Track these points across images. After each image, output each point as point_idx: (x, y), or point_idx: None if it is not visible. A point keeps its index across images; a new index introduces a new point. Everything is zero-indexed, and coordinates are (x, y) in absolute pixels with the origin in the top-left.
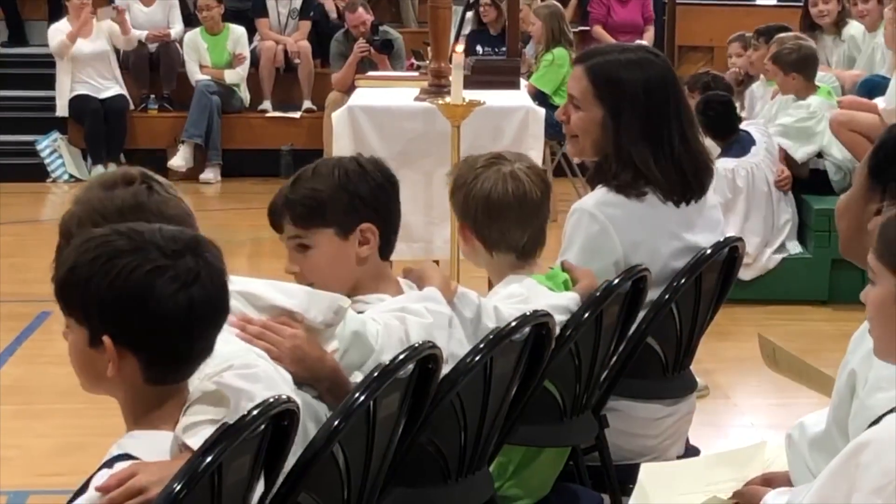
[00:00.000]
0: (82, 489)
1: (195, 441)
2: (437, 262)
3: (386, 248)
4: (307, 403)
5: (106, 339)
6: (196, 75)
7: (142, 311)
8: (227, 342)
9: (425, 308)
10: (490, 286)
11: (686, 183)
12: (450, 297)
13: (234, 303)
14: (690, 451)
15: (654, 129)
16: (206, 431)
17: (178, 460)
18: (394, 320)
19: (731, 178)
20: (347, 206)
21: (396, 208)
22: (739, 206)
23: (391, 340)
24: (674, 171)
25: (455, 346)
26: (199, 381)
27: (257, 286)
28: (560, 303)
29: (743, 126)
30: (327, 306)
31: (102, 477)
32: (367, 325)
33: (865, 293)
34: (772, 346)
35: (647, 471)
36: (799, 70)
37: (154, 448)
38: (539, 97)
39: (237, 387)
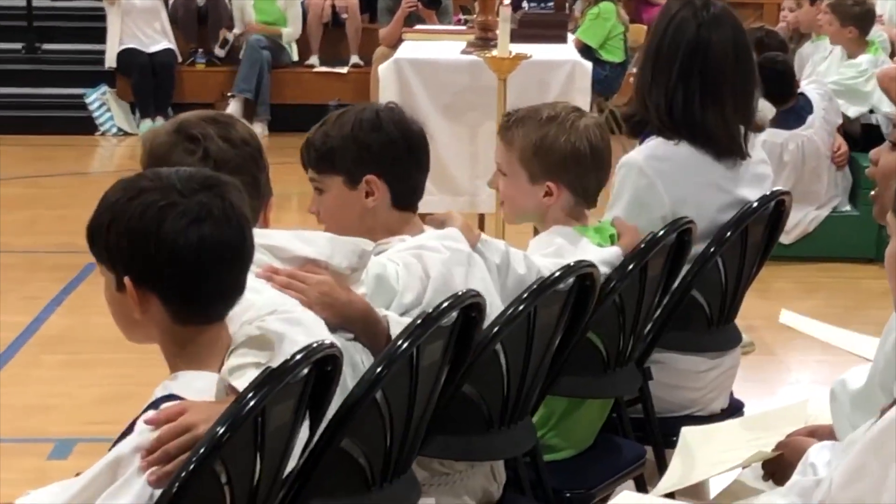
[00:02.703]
0: (127, 431)
1: (241, 383)
2: (482, 215)
3: (401, 200)
4: (342, 347)
5: (126, 280)
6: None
7: (153, 248)
8: (260, 291)
9: (442, 245)
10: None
11: (731, 138)
12: (472, 242)
13: (259, 255)
14: (734, 405)
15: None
16: (252, 374)
17: (224, 401)
18: (411, 258)
19: (778, 152)
20: (356, 157)
21: (411, 164)
22: (782, 181)
23: (412, 279)
24: (721, 125)
25: (477, 284)
26: (242, 325)
27: (280, 238)
28: (602, 256)
29: (803, 89)
30: (351, 251)
31: (150, 415)
32: (387, 268)
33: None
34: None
35: (688, 432)
36: (857, 24)
37: (199, 389)
38: (584, 51)
39: (280, 331)
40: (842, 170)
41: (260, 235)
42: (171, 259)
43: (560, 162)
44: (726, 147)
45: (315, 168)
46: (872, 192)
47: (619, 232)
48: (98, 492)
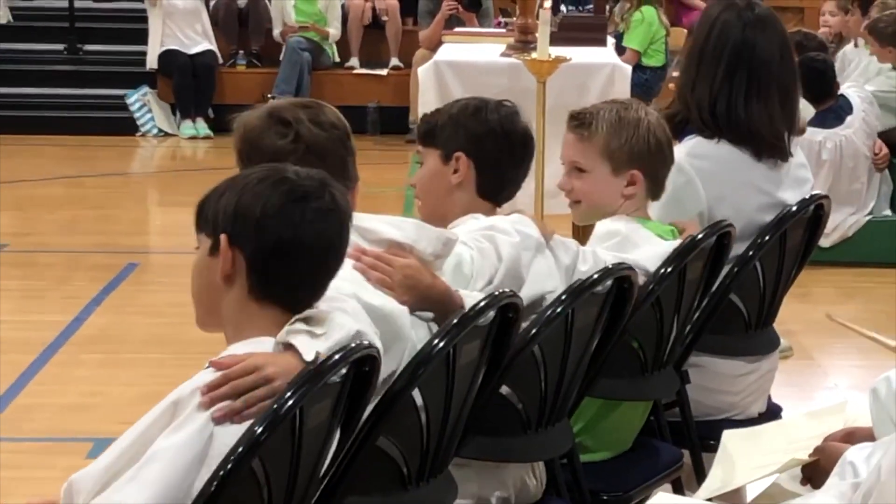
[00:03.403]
0: None
1: (298, 341)
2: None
3: (487, 189)
4: (419, 325)
5: (223, 236)
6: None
7: (257, 213)
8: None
9: (514, 228)
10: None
11: (777, 136)
12: (547, 237)
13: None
14: (772, 409)
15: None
16: (305, 338)
17: (285, 354)
18: (485, 242)
19: (816, 150)
20: (451, 134)
21: (503, 155)
22: (821, 179)
23: (486, 263)
24: (766, 123)
25: (541, 271)
26: None
27: (370, 220)
28: (665, 249)
29: (843, 91)
30: (436, 238)
31: (208, 372)
32: (462, 256)
33: None
34: (842, 326)
35: (729, 436)
36: (894, 43)
37: (254, 349)
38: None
39: (329, 309)
40: (881, 173)
41: None
42: (269, 227)
43: (644, 149)
44: (770, 145)
45: (420, 140)
46: None
47: (679, 227)
48: (157, 434)
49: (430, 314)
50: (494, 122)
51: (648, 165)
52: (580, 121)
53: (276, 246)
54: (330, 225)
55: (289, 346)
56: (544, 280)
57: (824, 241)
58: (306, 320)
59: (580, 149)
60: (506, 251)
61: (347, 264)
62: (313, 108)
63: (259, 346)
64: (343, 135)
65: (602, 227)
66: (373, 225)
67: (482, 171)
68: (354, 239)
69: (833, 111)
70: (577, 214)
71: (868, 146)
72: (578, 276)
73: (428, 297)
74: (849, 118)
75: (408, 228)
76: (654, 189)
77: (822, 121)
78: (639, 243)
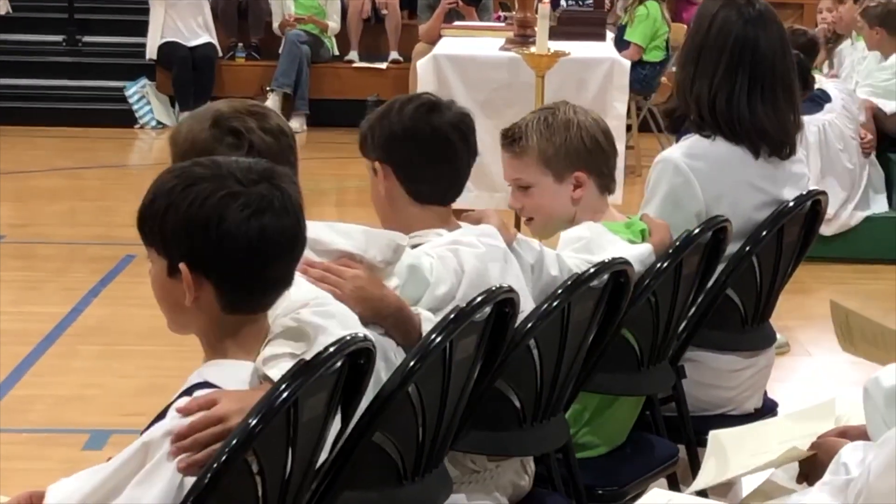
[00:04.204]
0: (161, 416)
1: (276, 373)
2: (517, 214)
3: (417, 192)
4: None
5: (182, 266)
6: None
7: (214, 237)
8: (298, 285)
9: (478, 240)
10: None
11: (784, 132)
12: (508, 240)
13: None
14: (768, 405)
15: (741, 80)
16: (286, 364)
17: (258, 390)
18: (447, 252)
19: (802, 134)
20: (370, 142)
21: (415, 156)
22: (812, 162)
23: (446, 272)
24: (773, 119)
25: (511, 282)
26: (276, 318)
27: (317, 230)
28: (632, 253)
29: (820, 84)
30: (385, 244)
31: (183, 403)
32: (421, 259)
33: None
34: (845, 312)
35: (716, 434)
36: (883, 24)
37: (233, 377)
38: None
39: (315, 323)
40: (868, 158)
41: None
42: (231, 248)
43: (581, 148)
44: (778, 142)
45: (360, 151)
46: None
47: (649, 228)
48: (128, 476)
49: (381, 329)
50: (396, 124)
51: (590, 163)
52: (511, 138)
53: (242, 265)
54: (289, 222)
55: (267, 379)
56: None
57: (826, 230)
58: (289, 334)
59: (518, 165)
60: (469, 263)
61: (302, 278)
62: (259, 115)
63: (237, 371)
64: (291, 141)
65: (566, 234)
66: (320, 234)
67: (402, 175)
68: None
69: (811, 100)
70: (535, 230)
71: (852, 130)
72: (548, 278)
73: (379, 310)
74: (828, 105)
75: (356, 236)
76: (604, 183)
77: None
78: (605, 246)
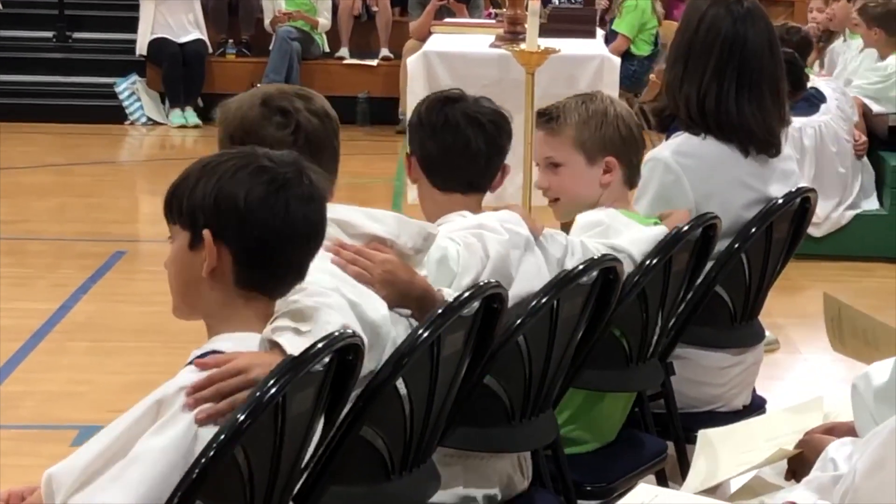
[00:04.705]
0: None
1: (284, 340)
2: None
3: (440, 183)
4: (398, 321)
5: (206, 232)
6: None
7: (242, 207)
8: (312, 272)
9: (502, 226)
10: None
11: (770, 131)
12: (536, 233)
13: (330, 229)
14: (756, 402)
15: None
16: (291, 336)
17: (271, 353)
18: (472, 238)
19: (797, 136)
20: (410, 136)
21: (435, 144)
22: (807, 166)
23: (472, 259)
24: (759, 118)
25: (530, 270)
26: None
27: (351, 213)
28: (648, 234)
29: (814, 83)
30: (417, 232)
31: (192, 370)
32: (448, 250)
33: None
34: (837, 305)
35: (705, 433)
36: (881, 24)
37: (239, 346)
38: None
39: (315, 305)
40: (860, 160)
41: (331, 210)
42: (256, 220)
43: (616, 136)
44: (763, 142)
45: None
46: None
47: (666, 214)
48: (139, 434)
49: (407, 311)
50: (414, 116)
51: (622, 152)
52: (548, 116)
53: (262, 238)
54: (312, 210)
55: (275, 344)
56: (532, 279)
57: (816, 231)
58: (292, 315)
59: (552, 144)
60: (493, 249)
61: (326, 257)
62: (306, 97)
63: (245, 342)
64: (335, 124)
65: (583, 218)
66: (353, 218)
67: (423, 164)
68: (333, 232)
69: (806, 100)
70: (558, 211)
71: (846, 131)
72: (566, 268)
73: (407, 294)
74: (823, 106)
75: (389, 222)
76: (630, 175)
77: (797, 110)
78: (621, 230)
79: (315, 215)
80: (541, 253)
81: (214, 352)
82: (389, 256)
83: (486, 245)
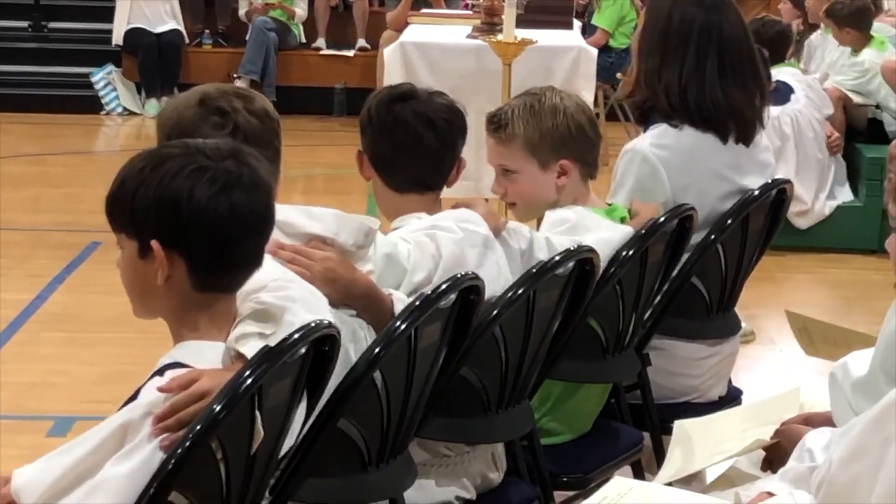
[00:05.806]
0: (131, 400)
1: (248, 349)
2: (486, 200)
3: (393, 184)
4: (344, 322)
5: (154, 243)
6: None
7: (185, 212)
8: (264, 266)
9: (457, 225)
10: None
11: (755, 112)
12: (496, 228)
13: None
14: (732, 393)
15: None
16: (256, 343)
17: (233, 368)
18: (424, 237)
19: (777, 125)
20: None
21: (385, 144)
22: (790, 153)
23: (423, 257)
24: (745, 102)
25: (490, 268)
26: (242, 300)
27: (289, 213)
28: (614, 237)
29: (779, 76)
30: (357, 228)
31: (159, 382)
32: (398, 247)
33: (888, 241)
34: (802, 320)
35: (680, 425)
36: (852, 24)
37: (205, 357)
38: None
39: (279, 304)
40: (834, 155)
41: None
42: (202, 223)
43: (567, 135)
44: (751, 124)
45: None
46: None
47: (636, 210)
48: (106, 457)
49: (352, 311)
50: (364, 115)
51: (575, 151)
52: (496, 123)
53: (213, 240)
54: (258, 200)
55: (240, 355)
56: (493, 283)
57: (802, 223)
58: (256, 316)
59: (503, 152)
60: (447, 247)
61: (266, 259)
62: (246, 97)
63: (208, 351)
64: (276, 124)
65: (552, 215)
66: (291, 217)
67: (375, 164)
68: (273, 233)
69: (776, 91)
70: (518, 215)
71: (818, 121)
72: (537, 263)
73: (349, 292)
74: (793, 96)
75: (328, 220)
76: (588, 171)
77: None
78: (590, 227)
79: (261, 204)
80: (502, 250)
81: (179, 364)
82: (329, 254)
83: (438, 243)
